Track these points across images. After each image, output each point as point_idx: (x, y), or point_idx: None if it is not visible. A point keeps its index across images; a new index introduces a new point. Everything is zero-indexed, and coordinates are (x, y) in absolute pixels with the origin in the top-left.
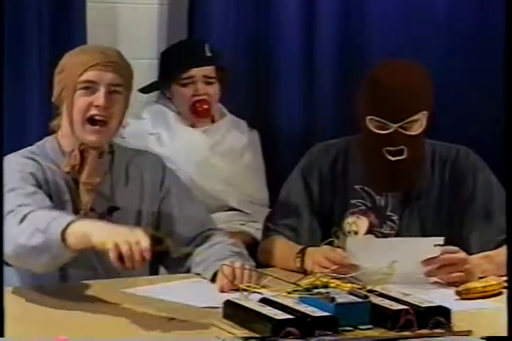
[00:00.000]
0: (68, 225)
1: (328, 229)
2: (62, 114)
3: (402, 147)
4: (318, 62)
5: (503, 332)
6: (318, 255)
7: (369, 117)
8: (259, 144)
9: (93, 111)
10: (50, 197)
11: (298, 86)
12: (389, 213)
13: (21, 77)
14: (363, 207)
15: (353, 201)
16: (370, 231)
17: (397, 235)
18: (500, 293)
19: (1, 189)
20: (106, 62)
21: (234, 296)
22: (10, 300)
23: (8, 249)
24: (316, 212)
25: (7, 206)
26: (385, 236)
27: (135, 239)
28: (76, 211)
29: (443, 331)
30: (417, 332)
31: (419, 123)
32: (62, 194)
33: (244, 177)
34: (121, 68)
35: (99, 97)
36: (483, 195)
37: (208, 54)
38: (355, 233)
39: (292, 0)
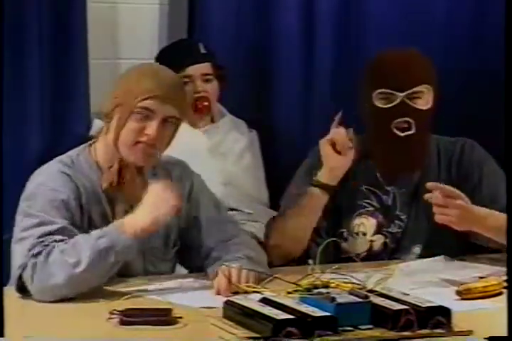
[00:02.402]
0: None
1: (336, 227)
2: (108, 128)
3: (410, 120)
4: (317, 62)
5: (503, 332)
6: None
7: (376, 92)
8: (259, 145)
9: (142, 138)
10: (81, 210)
11: (297, 86)
12: (397, 212)
13: (21, 77)
14: (371, 208)
15: (359, 202)
16: (378, 231)
17: (403, 233)
18: (500, 293)
19: (1, 189)
20: (168, 95)
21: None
22: (10, 300)
23: (62, 277)
24: (323, 210)
25: (31, 241)
26: (393, 235)
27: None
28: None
29: (443, 331)
30: (417, 332)
31: (424, 99)
32: (94, 209)
33: (244, 178)
34: (180, 101)
35: (152, 128)
36: (489, 185)
37: (203, 51)
38: (364, 234)
39: (292, 0)
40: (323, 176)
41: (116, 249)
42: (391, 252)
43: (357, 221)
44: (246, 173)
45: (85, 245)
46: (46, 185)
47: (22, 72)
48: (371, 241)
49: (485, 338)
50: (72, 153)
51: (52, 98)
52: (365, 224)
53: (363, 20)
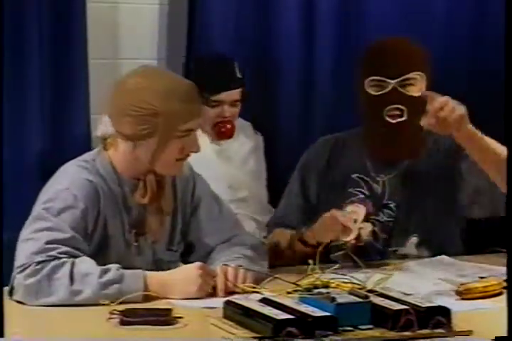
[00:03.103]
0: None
1: None
2: (134, 147)
3: (402, 107)
4: (317, 62)
5: (504, 332)
6: (326, 219)
7: (368, 80)
8: (263, 148)
9: (185, 156)
10: (98, 216)
11: (297, 86)
12: (386, 201)
13: (21, 77)
14: (361, 196)
15: (350, 190)
16: (366, 219)
17: (395, 223)
18: (500, 293)
19: (1, 189)
20: (200, 109)
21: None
22: (10, 300)
23: (58, 298)
24: (311, 210)
25: (38, 243)
26: (383, 223)
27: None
28: (122, 232)
29: (443, 331)
30: (417, 332)
31: (417, 86)
32: (111, 216)
33: (247, 182)
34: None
35: (197, 144)
36: (475, 177)
37: (239, 75)
38: (355, 221)
39: (292, 0)
40: (309, 236)
41: (123, 295)
42: (385, 243)
43: (349, 208)
44: (250, 177)
45: (95, 280)
46: (69, 191)
47: (22, 72)
48: (360, 228)
49: (485, 338)
50: (87, 157)
51: (52, 98)
52: (357, 212)
53: (363, 20)
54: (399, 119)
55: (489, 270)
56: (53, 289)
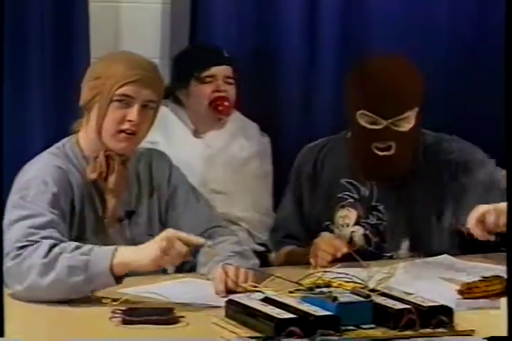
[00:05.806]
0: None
1: (321, 220)
2: (89, 118)
3: (391, 143)
4: (319, 62)
5: (504, 332)
6: (321, 242)
7: (360, 112)
8: (270, 150)
9: (125, 126)
10: (72, 203)
11: (299, 86)
12: (374, 203)
13: (21, 77)
14: (351, 200)
15: (340, 195)
16: (357, 222)
17: (385, 226)
18: (502, 293)
19: (1, 189)
20: (145, 78)
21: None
22: (10, 299)
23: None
24: (306, 218)
25: (20, 231)
26: (372, 226)
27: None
28: (97, 216)
29: (445, 330)
30: (419, 331)
31: (409, 120)
32: (85, 200)
33: (247, 186)
34: (157, 84)
35: (134, 113)
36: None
37: (226, 55)
38: (347, 225)
39: (294, 0)
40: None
41: (91, 271)
42: (378, 247)
43: (341, 213)
44: (249, 182)
45: (65, 256)
46: (39, 178)
47: (23, 72)
48: (352, 232)
49: (486, 338)
50: (59, 144)
51: (53, 98)
52: (349, 216)
53: (364, 20)
54: (386, 153)
55: (491, 269)
56: (25, 270)
